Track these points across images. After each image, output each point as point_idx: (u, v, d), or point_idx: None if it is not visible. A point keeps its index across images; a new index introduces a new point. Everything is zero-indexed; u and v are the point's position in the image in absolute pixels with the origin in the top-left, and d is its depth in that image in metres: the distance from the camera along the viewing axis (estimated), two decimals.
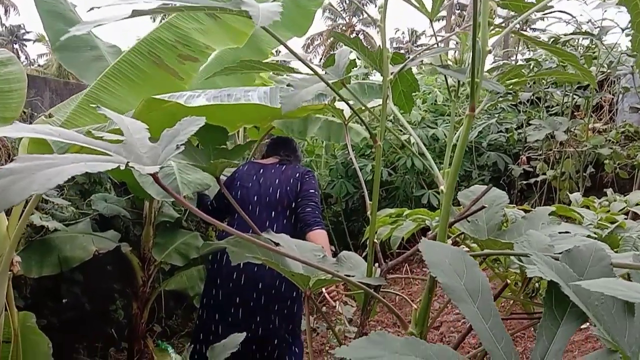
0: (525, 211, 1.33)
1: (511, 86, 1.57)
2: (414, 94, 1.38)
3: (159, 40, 1.93)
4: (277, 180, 2.68)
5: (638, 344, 0.66)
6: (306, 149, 6.01)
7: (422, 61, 1.12)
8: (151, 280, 3.46)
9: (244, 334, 1.38)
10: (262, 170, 2.71)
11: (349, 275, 1.10)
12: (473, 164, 4.94)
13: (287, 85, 1.13)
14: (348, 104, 1.16)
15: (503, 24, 1.24)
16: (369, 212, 1.16)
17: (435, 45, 1.27)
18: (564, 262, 0.69)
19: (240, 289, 2.60)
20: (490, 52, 0.85)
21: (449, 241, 1.23)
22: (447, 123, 5.06)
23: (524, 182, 4.66)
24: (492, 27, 1.09)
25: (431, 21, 1.20)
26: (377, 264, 1.16)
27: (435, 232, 1.08)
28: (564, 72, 1.61)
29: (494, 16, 1.07)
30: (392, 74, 1.16)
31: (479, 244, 1.08)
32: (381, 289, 1.19)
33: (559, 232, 1.14)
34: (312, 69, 1.03)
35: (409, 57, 1.24)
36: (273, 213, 2.67)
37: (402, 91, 1.40)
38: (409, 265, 5.29)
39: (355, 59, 1.20)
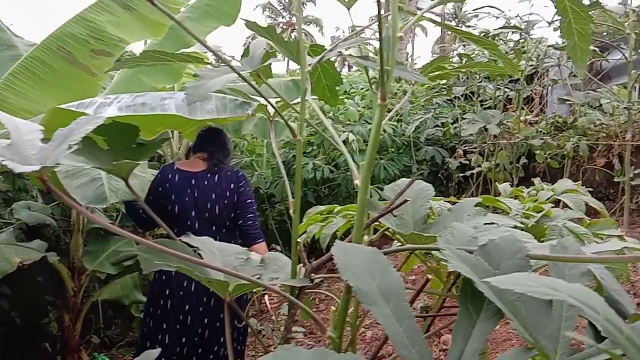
0: (453, 204, 1.31)
1: (437, 79, 1.55)
2: (337, 88, 1.34)
3: (70, 35, 1.79)
4: (213, 195, 2.62)
5: (557, 339, 0.63)
6: (247, 148, 5.91)
7: (340, 52, 1.08)
8: (83, 291, 3.29)
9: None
10: (194, 182, 2.62)
11: (274, 278, 1.05)
12: (412, 158, 4.99)
13: (193, 76, 1.06)
14: (265, 98, 1.11)
15: (438, 19, 1.22)
16: (291, 211, 1.11)
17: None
18: (480, 256, 0.66)
19: (191, 297, 2.55)
20: (401, 39, 0.81)
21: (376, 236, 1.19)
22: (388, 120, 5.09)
23: (461, 175, 4.75)
24: (407, 15, 1.06)
25: (349, 10, 1.16)
26: (302, 265, 1.10)
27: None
28: (490, 65, 1.61)
29: (407, 3, 1.04)
30: (310, 65, 1.11)
31: (404, 238, 1.05)
32: (307, 289, 1.14)
33: (485, 224, 1.12)
34: (223, 59, 0.97)
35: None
36: (214, 227, 2.63)
37: (326, 85, 1.36)
38: None
39: (275, 51, 1.14)
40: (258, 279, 1.08)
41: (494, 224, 1.12)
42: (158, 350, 1.46)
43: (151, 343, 2.58)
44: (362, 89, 5.54)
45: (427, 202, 1.18)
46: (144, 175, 2.63)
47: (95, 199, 2.24)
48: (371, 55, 1.34)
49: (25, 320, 3.56)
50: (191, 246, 1.16)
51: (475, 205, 1.22)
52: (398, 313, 0.62)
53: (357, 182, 0.86)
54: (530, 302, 0.63)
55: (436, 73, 1.38)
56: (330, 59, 1.32)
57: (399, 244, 1.38)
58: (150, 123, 1.36)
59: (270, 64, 1.28)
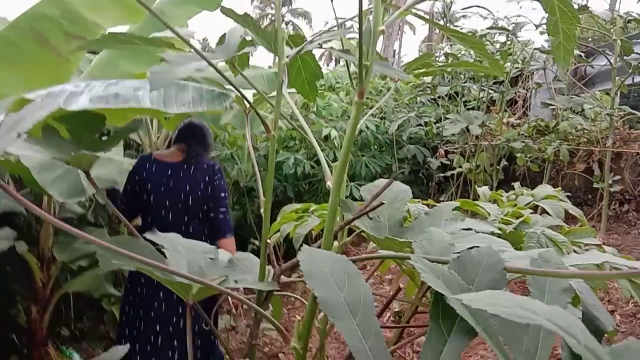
0: (430, 206, 1.27)
1: (421, 77, 1.51)
2: (318, 82, 1.29)
3: (42, 15, 1.70)
4: (187, 187, 2.63)
5: (535, 356, 0.60)
6: (228, 140, 5.83)
7: (320, 45, 1.02)
8: (52, 282, 3.19)
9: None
10: (170, 172, 2.63)
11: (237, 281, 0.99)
12: (394, 156, 4.96)
13: (160, 61, 0.99)
14: (238, 90, 1.05)
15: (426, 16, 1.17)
16: (262, 210, 1.05)
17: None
18: (454, 269, 0.62)
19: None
20: (383, 32, 0.76)
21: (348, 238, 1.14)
22: (371, 116, 5.05)
23: (442, 175, 4.73)
24: (393, 9, 1.01)
25: (332, 1, 1.10)
26: (270, 266, 1.05)
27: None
28: (475, 64, 1.57)
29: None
30: (288, 57, 1.06)
31: (378, 243, 1.00)
32: (277, 292, 1.10)
33: (462, 229, 1.08)
34: (191, 45, 0.91)
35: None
36: (186, 218, 2.65)
37: (306, 79, 1.30)
38: None
39: (253, 40, 1.08)
40: (223, 280, 1.03)
41: (471, 229, 1.08)
42: (126, 347, 1.41)
43: (129, 330, 2.62)
44: (347, 84, 5.49)
45: (403, 205, 1.13)
46: (119, 159, 2.54)
47: (71, 191, 2.16)
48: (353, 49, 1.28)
49: None
50: (155, 244, 1.10)
51: (453, 209, 1.18)
52: (364, 328, 0.57)
53: (329, 183, 0.81)
54: (506, 320, 0.59)
55: (421, 70, 1.34)
56: (312, 52, 1.27)
57: (374, 245, 1.34)
58: (121, 111, 1.29)
59: (247, 53, 1.23)
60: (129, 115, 1.38)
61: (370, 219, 1.10)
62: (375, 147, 4.99)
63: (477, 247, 0.75)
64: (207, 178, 2.65)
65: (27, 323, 3.24)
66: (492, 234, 1.10)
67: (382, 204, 0.97)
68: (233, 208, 5.88)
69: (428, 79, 4.67)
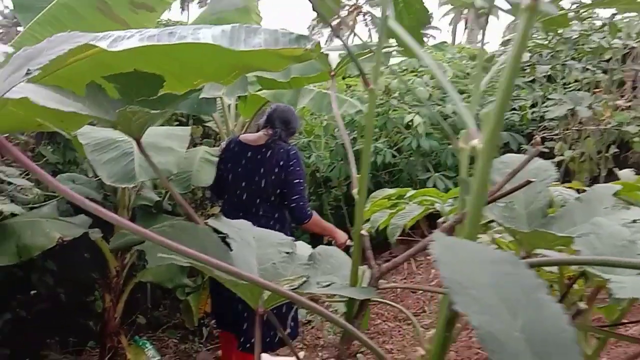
0: (577, 190, 0.96)
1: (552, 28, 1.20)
2: (422, 29, 1.01)
3: None
4: (261, 169, 2.70)
5: None
6: (305, 128, 5.63)
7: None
8: (127, 270, 3.12)
9: None
10: (249, 154, 2.74)
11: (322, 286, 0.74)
12: None
13: None
14: (342, 40, 0.80)
15: None
16: (354, 191, 0.79)
17: None
18: None
19: None
20: None
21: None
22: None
23: None
24: None
25: None
26: (366, 266, 0.80)
27: (453, 220, 0.72)
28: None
29: None
30: None
31: (519, 238, 0.72)
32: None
33: (634, 220, 0.78)
34: None
35: None
36: (258, 200, 2.73)
37: (408, 26, 1.03)
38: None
39: None
40: (303, 283, 0.78)
41: None
42: None
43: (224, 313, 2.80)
44: None
45: (546, 188, 0.84)
46: (180, 150, 2.38)
47: (122, 176, 2.03)
48: None
49: (69, 296, 3.45)
50: (220, 232, 0.87)
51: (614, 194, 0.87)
52: None
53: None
54: None
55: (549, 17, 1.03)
56: None
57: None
58: (178, 68, 1.08)
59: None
60: (188, 78, 1.16)
61: (501, 206, 0.82)
62: None
63: None
64: (281, 163, 2.68)
65: (101, 311, 3.20)
66: None
67: (527, 183, 0.69)
68: (309, 199, 5.69)
69: (524, 57, 4.22)
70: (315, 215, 2.78)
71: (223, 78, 1.17)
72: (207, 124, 4.58)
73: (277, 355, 2.71)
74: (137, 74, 0.97)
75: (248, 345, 2.65)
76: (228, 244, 0.83)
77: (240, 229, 0.91)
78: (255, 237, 0.90)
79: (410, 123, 4.52)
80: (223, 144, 2.98)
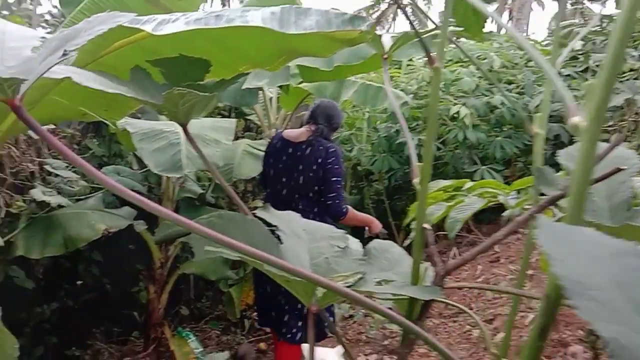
0: None
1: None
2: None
3: None
4: (300, 166, 2.73)
5: None
6: (346, 121, 5.56)
7: None
8: (171, 262, 3.13)
9: None
10: (290, 150, 2.77)
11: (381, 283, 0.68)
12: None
13: None
14: (407, 16, 0.73)
15: None
16: (415, 180, 0.73)
17: None
18: None
19: None
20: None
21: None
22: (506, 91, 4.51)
23: None
24: None
25: None
26: (428, 263, 0.73)
27: (526, 214, 0.64)
28: None
29: None
30: None
31: (605, 233, 0.63)
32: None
33: None
34: None
35: None
36: (297, 195, 2.75)
37: (469, 9, 0.95)
38: (457, 248, 4.80)
39: None
40: (359, 279, 0.72)
41: None
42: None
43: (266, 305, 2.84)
44: (479, 56, 4.96)
45: (629, 178, 0.75)
46: (226, 143, 2.35)
47: (170, 166, 2.01)
48: None
49: (115, 287, 3.50)
50: (269, 224, 0.82)
51: None
52: None
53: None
54: None
55: None
56: None
57: None
58: (223, 54, 1.03)
59: None
60: (233, 65, 1.11)
61: None
62: (511, 125, 4.44)
63: None
64: (319, 160, 2.68)
65: (146, 301, 3.23)
66: None
67: (617, 170, 0.61)
68: (350, 192, 5.61)
69: (577, 45, 4.03)
70: (351, 211, 2.79)
71: (270, 64, 1.12)
72: (249, 117, 4.57)
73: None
74: (183, 58, 0.93)
75: (289, 336, 2.67)
76: (277, 237, 0.78)
77: (290, 221, 0.86)
78: (306, 230, 0.84)
79: (456, 115, 4.39)
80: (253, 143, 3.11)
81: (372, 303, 0.53)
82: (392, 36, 1.14)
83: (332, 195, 2.68)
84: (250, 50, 1.13)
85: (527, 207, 0.83)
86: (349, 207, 2.79)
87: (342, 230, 0.86)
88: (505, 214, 0.84)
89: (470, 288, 3.71)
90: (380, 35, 1.00)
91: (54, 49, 0.52)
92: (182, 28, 0.90)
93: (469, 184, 1.13)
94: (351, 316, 4.02)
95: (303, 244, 0.80)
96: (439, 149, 4.62)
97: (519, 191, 1.05)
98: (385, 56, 1.06)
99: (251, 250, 0.56)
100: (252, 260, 0.61)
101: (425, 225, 0.70)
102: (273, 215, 0.87)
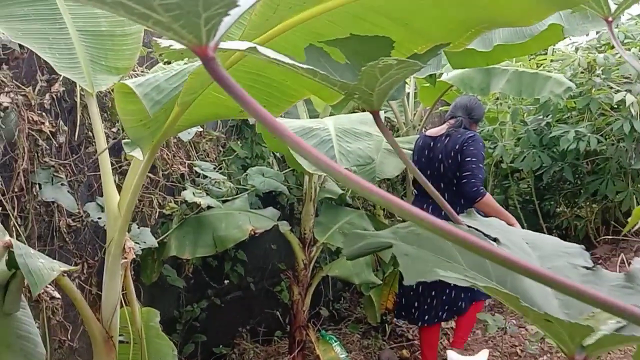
0: None
1: None
2: None
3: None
4: (440, 155, 2.80)
5: None
6: (487, 116, 5.17)
7: None
8: (313, 263, 3.07)
9: None
10: (431, 144, 2.87)
11: None
12: None
13: None
14: None
15: None
16: None
17: None
18: None
19: None
20: None
21: None
22: None
23: None
24: None
25: None
26: None
27: None
28: None
29: None
30: None
31: None
32: None
33: None
34: None
35: None
36: (442, 184, 2.78)
37: None
38: (625, 254, 4.25)
39: None
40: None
41: None
42: None
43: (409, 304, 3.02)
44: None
45: None
46: (378, 135, 2.21)
47: None
48: None
49: (258, 286, 3.53)
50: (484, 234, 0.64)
51: None
52: None
53: None
54: None
55: None
56: None
57: None
58: (407, 35, 0.88)
59: None
60: (414, 42, 0.95)
61: None
62: None
63: None
64: (457, 146, 2.72)
65: (289, 302, 3.20)
66: None
67: None
68: (492, 192, 5.21)
69: None
70: (489, 195, 2.71)
71: (455, 40, 0.94)
72: (385, 115, 4.42)
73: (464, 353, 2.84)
74: (362, 38, 0.79)
75: (427, 317, 2.91)
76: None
77: (505, 230, 0.68)
78: (531, 244, 0.65)
79: (619, 104, 3.87)
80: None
81: None
82: None
83: (466, 173, 2.67)
84: (429, 26, 0.96)
85: None
86: (487, 192, 2.75)
87: (576, 245, 0.66)
88: None
89: None
90: None
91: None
92: None
93: None
94: (503, 328, 3.70)
95: (534, 263, 0.61)
96: (599, 142, 4.10)
97: None
98: (611, 19, 0.83)
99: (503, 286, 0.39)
100: (502, 293, 0.44)
101: None
102: (481, 223, 0.69)
